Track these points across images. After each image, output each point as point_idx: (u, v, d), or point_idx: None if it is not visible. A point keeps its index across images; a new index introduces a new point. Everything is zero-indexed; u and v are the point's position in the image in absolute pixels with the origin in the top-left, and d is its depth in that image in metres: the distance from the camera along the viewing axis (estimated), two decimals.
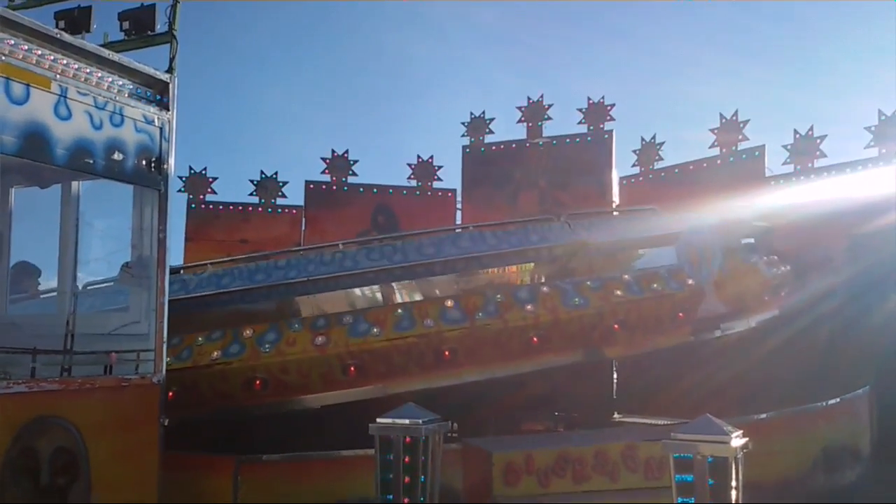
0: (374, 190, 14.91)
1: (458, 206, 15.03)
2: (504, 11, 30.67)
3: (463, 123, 15.26)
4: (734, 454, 4.74)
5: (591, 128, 14.50)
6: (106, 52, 5.66)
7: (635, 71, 34.16)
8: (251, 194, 14.70)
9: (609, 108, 14.44)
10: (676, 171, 13.42)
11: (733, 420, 5.20)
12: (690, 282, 7.98)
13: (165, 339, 5.88)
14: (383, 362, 7.05)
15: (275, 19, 33.13)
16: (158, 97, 6.03)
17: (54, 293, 6.73)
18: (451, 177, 15.21)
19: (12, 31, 4.94)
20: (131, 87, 5.81)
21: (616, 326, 7.66)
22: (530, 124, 14.88)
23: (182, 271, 8.52)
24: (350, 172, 14.82)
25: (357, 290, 8.00)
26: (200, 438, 6.68)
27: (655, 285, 7.85)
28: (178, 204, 13.58)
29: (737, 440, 4.80)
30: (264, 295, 7.92)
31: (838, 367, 9.13)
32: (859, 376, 8.46)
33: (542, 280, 8.31)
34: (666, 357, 9.10)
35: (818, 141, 11.61)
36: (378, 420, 5.70)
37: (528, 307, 7.41)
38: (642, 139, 14.23)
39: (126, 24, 6.17)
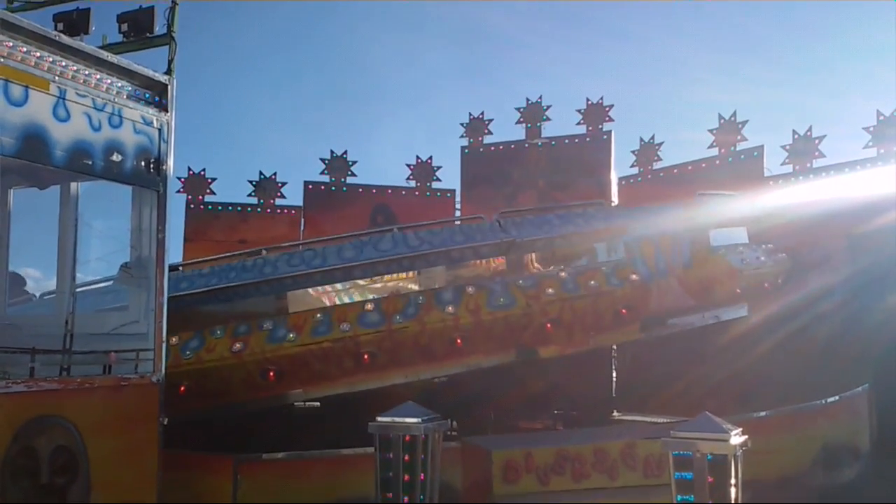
0: (374, 190, 14.90)
1: (458, 206, 15.01)
2: (503, 12, 30.71)
3: (462, 124, 15.26)
4: (733, 452, 4.75)
5: (590, 128, 14.49)
6: (105, 54, 5.69)
7: (634, 71, 34.18)
8: (250, 195, 14.67)
9: (608, 108, 14.43)
10: (675, 171, 13.41)
11: (732, 418, 5.21)
12: (634, 277, 7.90)
13: (165, 339, 5.89)
14: (303, 367, 6.99)
15: (273, 20, 33.18)
16: (157, 99, 6.05)
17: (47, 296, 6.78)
18: (450, 177, 15.22)
19: (11, 33, 4.96)
20: (130, 88, 5.82)
21: (548, 326, 7.58)
22: (529, 125, 14.87)
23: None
24: (349, 173, 14.79)
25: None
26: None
27: (593, 282, 7.76)
28: (176, 205, 13.53)
29: (736, 438, 4.82)
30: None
31: (837, 366, 9.11)
32: (859, 375, 8.45)
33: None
34: (664, 355, 9.13)
35: (817, 141, 11.59)
36: (378, 419, 5.72)
37: (449, 308, 7.36)
38: (641, 139, 14.23)
39: (125, 26, 6.20)
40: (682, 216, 8.64)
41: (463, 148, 15.17)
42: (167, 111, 6.07)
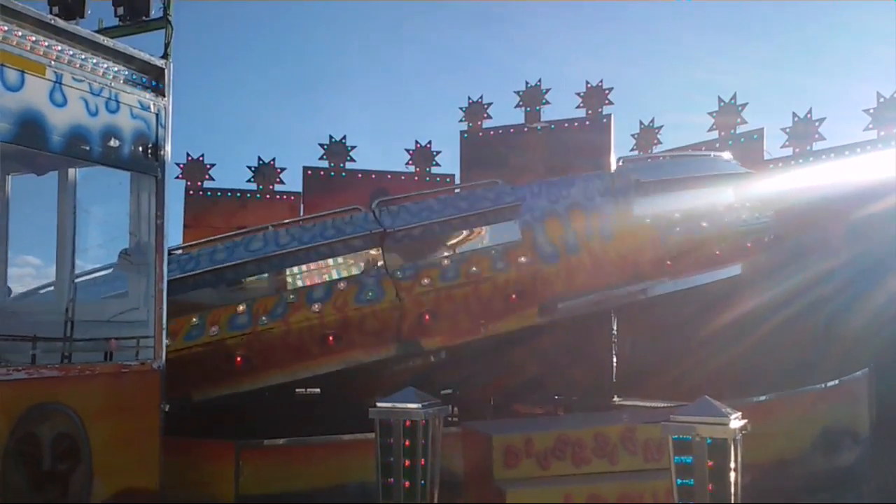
0: (373, 176, 14.87)
1: (458, 190, 14.98)
2: None
3: (461, 108, 15.22)
4: (733, 436, 4.76)
5: (590, 112, 14.45)
6: (101, 38, 5.63)
7: (634, 54, 34.04)
8: (249, 181, 14.66)
9: (607, 91, 14.39)
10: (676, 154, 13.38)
11: (732, 402, 5.21)
12: (523, 259, 7.68)
13: (165, 326, 5.89)
14: (183, 371, 6.74)
15: (272, 4, 32.97)
16: (154, 83, 6.01)
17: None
18: (449, 162, 15.18)
19: (6, 17, 4.90)
20: (126, 73, 5.78)
21: (426, 317, 7.40)
22: (528, 109, 14.82)
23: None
24: (348, 158, 14.77)
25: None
26: None
27: (475, 268, 7.54)
28: (175, 191, 13.51)
29: (735, 422, 4.82)
30: None
31: (837, 350, 9.12)
32: (858, 359, 8.46)
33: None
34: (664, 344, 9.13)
35: (817, 124, 11.58)
36: (378, 404, 5.73)
37: (315, 307, 7.22)
38: (641, 123, 14.20)
39: (120, 10, 6.13)
40: (599, 186, 8.39)
41: (462, 132, 15.14)
42: (164, 96, 6.02)
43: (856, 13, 30.84)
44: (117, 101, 5.63)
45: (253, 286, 7.82)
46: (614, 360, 9.97)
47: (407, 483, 5.56)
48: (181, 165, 14.25)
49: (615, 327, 10.00)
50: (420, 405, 5.66)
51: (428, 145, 15.07)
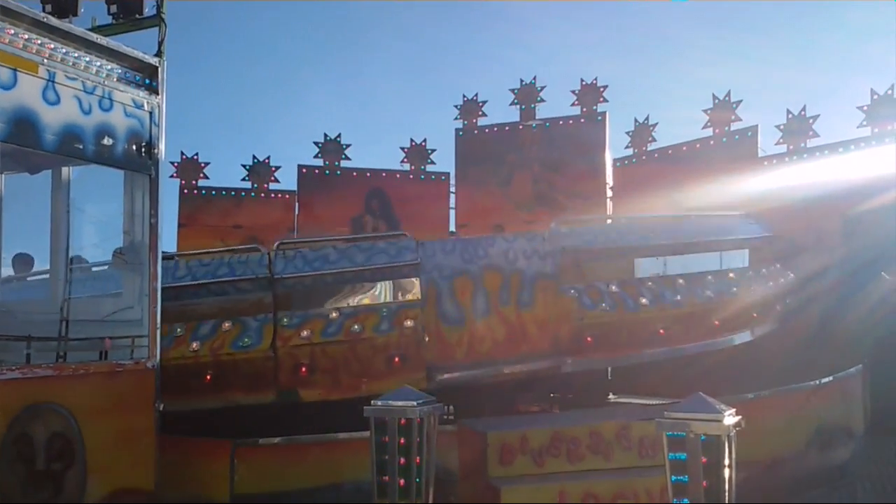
0: (368, 174, 14.87)
1: (452, 189, 15.00)
2: None
3: (456, 106, 15.21)
4: (727, 432, 4.76)
5: (585, 109, 14.46)
6: (94, 36, 5.62)
7: (628, 51, 34.06)
8: (243, 179, 14.64)
9: (602, 89, 14.40)
10: (670, 151, 13.41)
11: (726, 398, 5.22)
12: (409, 323, 7.30)
13: (159, 325, 5.88)
14: None
15: (266, 2, 32.90)
16: (148, 81, 6.00)
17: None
18: (444, 160, 15.18)
19: None
20: (120, 71, 5.77)
21: (303, 369, 7.17)
22: (523, 106, 14.83)
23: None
24: (343, 156, 14.75)
25: None
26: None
27: (356, 326, 7.24)
28: (170, 189, 13.52)
29: (730, 418, 4.82)
30: None
31: (832, 347, 9.14)
32: (853, 356, 8.47)
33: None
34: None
35: (811, 121, 11.60)
36: (373, 402, 5.72)
37: (194, 345, 7.05)
38: (636, 120, 14.22)
39: (114, 8, 6.12)
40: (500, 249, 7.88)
41: (457, 130, 15.14)
42: (158, 94, 6.01)
43: (850, 10, 30.92)
44: (111, 100, 5.61)
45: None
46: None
47: (402, 481, 5.55)
48: (175, 164, 14.23)
49: None
50: (415, 403, 5.66)
51: (423, 143, 15.06)
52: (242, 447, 6.62)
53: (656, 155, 13.63)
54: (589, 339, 7.78)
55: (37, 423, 4.91)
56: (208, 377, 7.10)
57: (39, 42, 5.13)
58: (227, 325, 7.29)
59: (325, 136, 14.74)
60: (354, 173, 14.78)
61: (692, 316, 8.16)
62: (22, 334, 5.28)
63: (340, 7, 34.90)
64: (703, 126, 12.81)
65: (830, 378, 7.82)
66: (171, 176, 14.07)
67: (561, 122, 14.62)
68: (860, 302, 9.72)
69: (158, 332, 5.86)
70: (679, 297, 8.13)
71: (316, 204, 14.49)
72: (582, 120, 14.44)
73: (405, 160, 15.04)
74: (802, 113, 11.64)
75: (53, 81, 5.18)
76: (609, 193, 14.15)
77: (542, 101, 14.80)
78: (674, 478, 4.83)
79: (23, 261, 6.91)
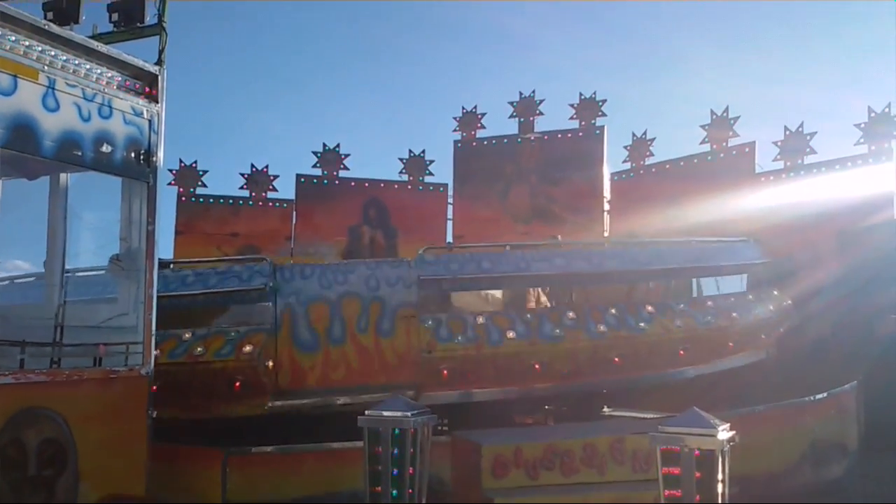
0: (366, 184, 14.87)
1: (450, 200, 15.01)
2: (496, 7, 30.66)
3: (455, 118, 15.26)
4: (721, 447, 4.76)
5: (583, 123, 14.51)
6: (94, 44, 5.65)
7: (627, 66, 34.21)
8: (242, 188, 14.65)
9: (601, 103, 14.45)
10: (668, 166, 13.44)
11: (721, 414, 5.22)
12: (247, 349, 7.32)
13: (154, 332, 5.88)
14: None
15: (266, 12, 33.03)
16: (147, 89, 6.02)
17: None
18: (443, 171, 15.20)
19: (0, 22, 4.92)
20: (120, 79, 5.79)
21: (154, 388, 6.90)
22: (522, 119, 14.87)
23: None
24: (341, 166, 14.77)
25: None
26: None
27: (199, 349, 7.30)
28: (167, 197, 13.51)
29: (724, 433, 4.83)
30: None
31: (828, 364, 9.13)
32: (849, 373, 8.47)
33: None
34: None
35: (808, 137, 11.64)
36: (367, 412, 5.72)
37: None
38: (634, 135, 14.25)
39: (115, 16, 6.17)
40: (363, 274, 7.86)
41: (456, 142, 15.18)
42: (157, 102, 6.04)
43: (848, 28, 31.11)
44: (110, 107, 5.64)
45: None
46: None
47: (395, 492, 5.55)
48: (173, 172, 14.23)
49: None
50: (409, 413, 5.66)
51: (421, 154, 15.09)
52: (235, 455, 6.61)
53: (654, 170, 13.66)
54: (445, 371, 7.61)
55: (29, 428, 4.91)
56: None
57: (40, 49, 5.16)
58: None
59: (324, 145, 14.77)
60: (353, 183, 14.78)
61: (573, 352, 7.85)
62: (16, 339, 5.28)
63: (342, 18, 35.08)
64: (701, 142, 12.85)
65: (825, 394, 7.82)
66: (169, 183, 14.06)
67: (559, 136, 14.65)
68: (856, 319, 9.74)
69: (153, 339, 5.86)
70: (558, 332, 7.82)
71: (314, 213, 14.48)
72: (580, 134, 14.48)
73: (403, 171, 15.05)
74: (800, 130, 11.68)
75: (53, 88, 5.20)
76: (606, 207, 14.17)
77: (541, 114, 14.84)
78: (667, 492, 4.83)
79: None
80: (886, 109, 10.88)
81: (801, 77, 33.20)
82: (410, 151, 15.10)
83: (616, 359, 7.93)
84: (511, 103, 14.91)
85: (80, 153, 5.40)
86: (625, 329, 8.03)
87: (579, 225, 13.54)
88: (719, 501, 4.74)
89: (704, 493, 4.73)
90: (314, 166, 14.70)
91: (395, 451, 5.56)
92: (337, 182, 14.71)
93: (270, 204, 14.68)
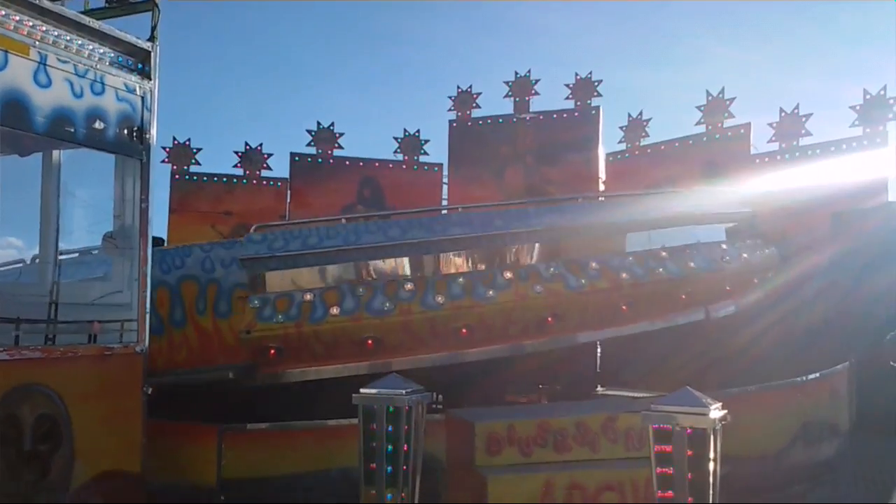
0: (361, 163, 14.83)
1: (445, 180, 14.98)
2: None
3: (450, 97, 15.18)
4: (713, 426, 4.80)
5: (578, 103, 14.46)
6: (86, 20, 5.60)
7: (623, 46, 34.04)
8: (236, 166, 14.59)
9: (596, 83, 14.40)
10: (663, 147, 13.43)
11: (713, 393, 5.25)
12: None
13: (148, 309, 5.88)
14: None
15: None
16: (140, 66, 5.98)
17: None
18: (438, 151, 15.16)
19: None
20: (112, 55, 5.75)
21: None
22: (517, 99, 14.82)
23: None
24: (336, 145, 14.71)
25: None
26: None
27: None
28: (161, 175, 13.45)
29: (715, 412, 4.86)
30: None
31: (821, 347, 9.16)
32: (842, 355, 8.50)
33: None
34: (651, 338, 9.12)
35: (803, 119, 11.63)
36: (361, 390, 5.74)
37: None
38: (629, 115, 14.22)
39: None
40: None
41: (451, 121, 15.11)
42: (150, 79, 6.00)
43: (844, 12, 30.98)
44: (103, 84, 5.60)
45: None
46: (598, 350, 9.97)
47: (389, 468, 5.58)
48: (167, 149, 14.17)
49: None
50: (403, 391, 5.68)
51: (416, 133, 15.04)
52: (229, 432, 6.64)
53: (649, 150, 13.64)
54: (272, 350, 7.47)
55: (24, 404, 4.92)
56: None
57: (31, 24, 5.11)
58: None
59: (319, 124, 14.70)
60: (347, 162, 14.73)
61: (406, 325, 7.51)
62: (11, 316, 5.26)
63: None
64: (697, 122, 12.83)
65: (817, 375, 7.86)
66: (163, 161, 14.01)
67: (555, 116, 14.61)
68: (849, 302, 9.77)
69: (148, 316, 5.86)
70: (388, 305, 7.47)
71: (308, 192, 14.45)
72: (576, 114, 14.44)
73: (398, 150, 15.00)
74: (795, 112, 11.66)
75: (45, 64, 5.16)
76: (602, 188, 14.16)
77: (537, 94, 14.78)
78: (659, 470, 4.87)
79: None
80: (882, 92, 10.86)
81: (797, 60, 33.13)
82: (405, 131, 15.06)
83: (463, 330, 7.59)
84: (507, 83, 14.84)
85: (72, 129, 5.37)
86: (472, 297, 7.61)
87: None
88: (710, 480, 4.79)
89: (696, 472, 4.78)
90: (308, 145, 14.64)
91: (390, 427, 5.59)
92: (331, 161, 14.65)
93: (265, 182, 14.63)
